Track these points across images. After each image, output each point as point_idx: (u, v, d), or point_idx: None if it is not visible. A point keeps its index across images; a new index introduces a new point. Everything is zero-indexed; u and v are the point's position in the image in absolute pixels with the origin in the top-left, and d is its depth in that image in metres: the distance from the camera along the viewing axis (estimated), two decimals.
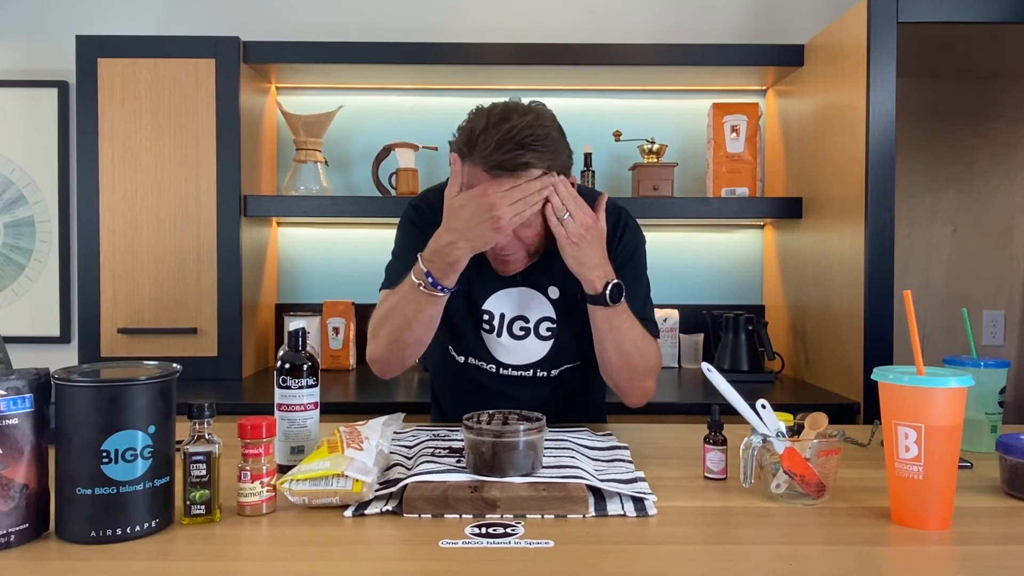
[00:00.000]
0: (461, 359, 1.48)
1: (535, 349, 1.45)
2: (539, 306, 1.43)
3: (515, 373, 1.46)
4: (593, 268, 1.29)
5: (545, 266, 1.41)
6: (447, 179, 1.49)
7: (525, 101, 1.31)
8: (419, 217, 1.44)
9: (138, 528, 0.89)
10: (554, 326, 1.44)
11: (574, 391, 1.50)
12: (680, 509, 1.02)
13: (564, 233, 1.26)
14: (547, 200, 1.26)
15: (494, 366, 1.46)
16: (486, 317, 1.44)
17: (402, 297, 1.31)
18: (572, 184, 1.37)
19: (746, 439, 1.06)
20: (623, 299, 1.31)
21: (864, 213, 1.88)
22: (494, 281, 1.42)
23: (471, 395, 1.46)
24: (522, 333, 1.44)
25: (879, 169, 1.87)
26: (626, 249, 1.45)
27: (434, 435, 1.33)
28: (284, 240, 2.58)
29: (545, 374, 1.46)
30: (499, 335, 1.44)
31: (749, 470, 1.04)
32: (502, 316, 1.44)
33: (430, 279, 1.27)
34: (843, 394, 2.00)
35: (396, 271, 1.40)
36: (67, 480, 0.88)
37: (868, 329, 1.88)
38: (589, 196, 1.51)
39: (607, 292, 1.29)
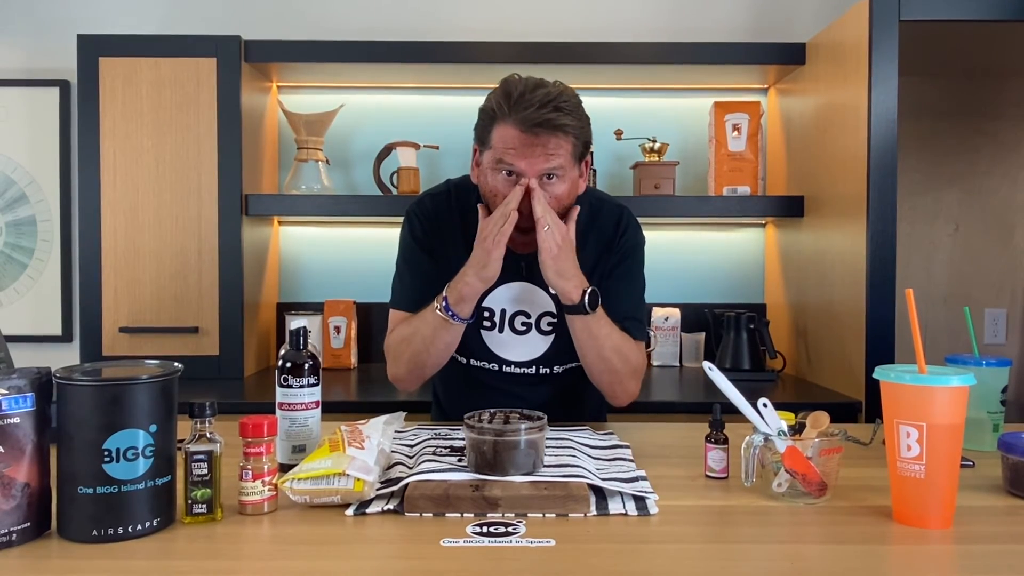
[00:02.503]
0: (463, 360, 1.48)
1: (537, 345, 1.45)
2: (540, 301, 1.44)
3: (517, 371, 1.46)
4: (570, 278, 1.33)
5: None
6: (445, 181, 1.52)
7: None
8: (419, 230, 1.47)
9: (139, 527, 0.89)
10: (555, 321, 1.44)
11: (574, 391, 1.50)
12: (681, 508, 1.02)
13: (547, 247, 1.30)
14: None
15: (496, 364, 1.46)
16: (487, 314, 1.44)
17: (423, 323, 1.38)
18: (587, 166, 1.43)
19: (747, 438, 1.06)
20: (600, 306, 1.35)
21: (866, 212, 1.88)
22: None
23: (472, 395, 1.46)
24: (523, 328, 1.45)
25: (881, 167, 1.87)
26: (626, 246, 1.47)
27: (435, 434, 1.33)
28: (285, 239, 2.58)
29: (548, 371, 1.46)
30: (500, 331, 1.45)
31: (751, 469, 1.04)
32: (503, 311, 1.44)
33: (445, 304, 1.33)
34: (845, 393, 2.00)
35: (400, 291, 1.48)
36: (69, 479, 0.88)
37: (870, 328, 1.88)
38: (596, 198, 1.52)
39: (584, 300, 1.33)
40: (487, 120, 1.35)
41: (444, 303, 1.33)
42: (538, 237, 1.31)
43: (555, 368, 1.46)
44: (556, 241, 1.31)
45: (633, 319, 1.46)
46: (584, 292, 1.33)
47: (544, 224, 1.30)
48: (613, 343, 1.38)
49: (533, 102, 1.28)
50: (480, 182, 1.39)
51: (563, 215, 1.37)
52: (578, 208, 1.39)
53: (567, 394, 1.50)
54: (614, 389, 1.43)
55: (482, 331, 1.45)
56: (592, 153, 2.37)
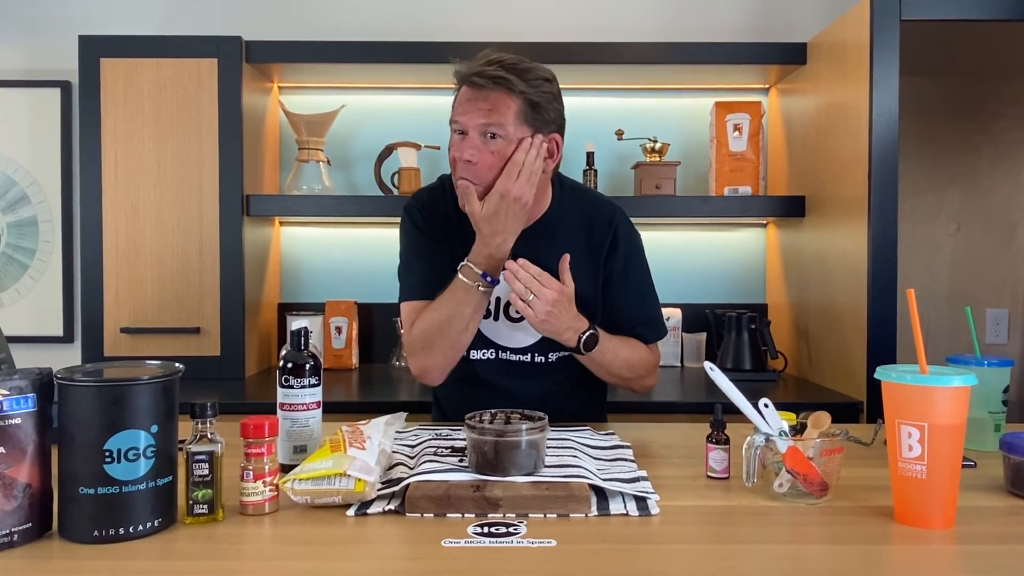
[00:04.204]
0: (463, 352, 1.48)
1: (532, 331, 1.46)
2: None
3: (514, 358, 1.47)
4: (564, 331, 1.36)
5: (532, 251, 1.43)
6: (439, 177, 1.53)
7: None
8: (419, 219, 1.49)
9: (141, 527, 0.89)
10: None
11: (574, 383, 1.51)
12: (683, 508, 1.02)
13: (532, 313, 1.32)
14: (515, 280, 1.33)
15: (493, 352, 1.48)
16: None
17: (458, 304, 1.37)
18: (558, 145, 1.42)
19: (749, 438, 1.06)
20: (599, 341, 1.38)
21: (867, 211, 1.88)
22: None
23: (472, 393, 1.47)
24: (518, 316, 1.46)
25: (882, 167, 1.87)
26: (624, 251, 1.48)
27: (436, 434, 1.33)
28: (287, 239, 2.59)
29: (543, 359, 1.47)
30: (496, 319, 1.46)
31: (752, 469, 1.04)
32: (498, 300, 1.46)
33: (488, 279, 1.35)
34: (846, 393, 1.99)
35: (413, 281, 1.47)
36: (70, 480, 0.88)
37: (871, 328, 1.88)
38: (592, 198, 1.52)
39: (580, 345, 1.36)
40: (455, 92, 1.40)
41: (485, 276, 1.34)
42: (518, 306, 1.32)
43: (550, 355, 1.47)
44: (544, 308, 1.31)
45: (647, 323, 1.50)
46: (580, 339, 1.36)
47: (527, 295, 1.30)
48: (620, 362, 1.43)
49: (482, 60, 1.34)
50: None
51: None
52: (567, 257, 1.38)
53: (566, 389, 1.50)
54: (631, 387, 1.51)
55: None
56: (592, 154, 2.40)
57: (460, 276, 1.36)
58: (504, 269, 1.42)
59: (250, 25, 2.49)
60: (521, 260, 1.33)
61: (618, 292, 1.48)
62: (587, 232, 1.47)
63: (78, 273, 2.47)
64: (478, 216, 1.34)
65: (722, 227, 2.59)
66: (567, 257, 1.38)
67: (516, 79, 1.33)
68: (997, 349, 2.64)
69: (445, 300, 1.38)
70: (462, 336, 1.40)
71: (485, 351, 1.48)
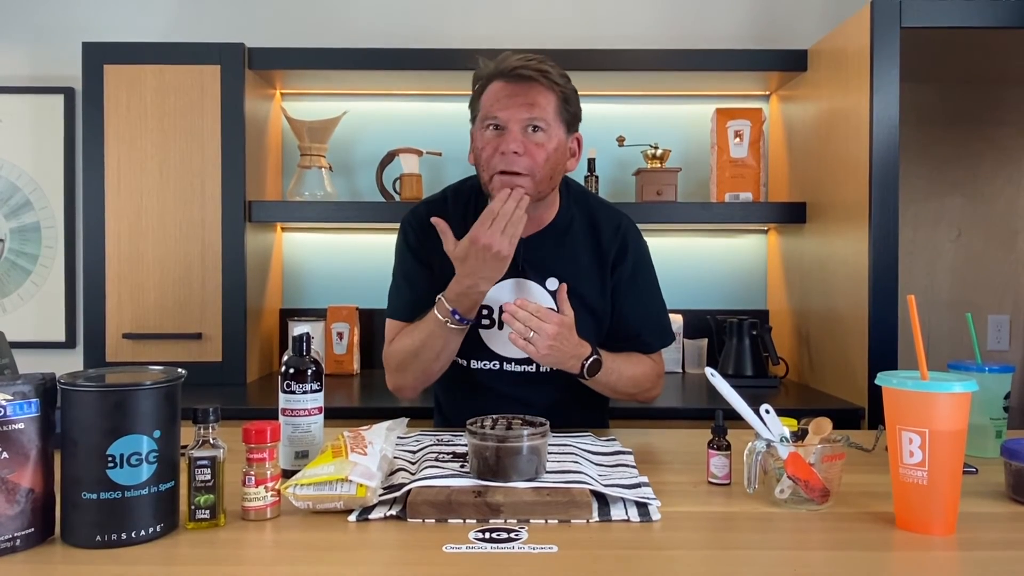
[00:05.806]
0: (464, 363, 1.48)
1: None
2: (538, 297, 1.45)
3: (518, 368, 1.47)
4: (567, 361, 1.36)
5: (541, 257, 1.44)
6: (443, 189, 1.53)
7: None
8: (413, 238, 1.50)
9: (143, 533, 0.90)
10: None
11: (576, 391, 1.50)
12: (684, 514, 1.02)
13: (535, 350, 1.32)
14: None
15: (496, 363, 1.47)
16: (485, 312, 1.45)
17: (430, 335, 1.38)
18: (579, 144, 1.45)
19: (750, 444, 1.06)
20: (602, 364, 1.39)
21: (868, 218, 1.88)
22: None
23: (474, 399, 1.46)
24: None
25: (883, 174, 1.87)
26: (630, 260, 1.49)
27: (438, 440, 1.33)
28: (288, 245, 2.59)
29: (546, 368, 1.47)
30: (500, 327, 1.46)
31: (753, 475, 1.04)
32: (501, 309, 1.45)
33: (457, 316, 1.35)
34: (847, 399, 1.99)
35: (398, 301, 1.50)
36: (72, 485, 0.88)
37: (872, 334, 1.88)
38: (597, 204, 1.53)
39: (584, 372, 1.37)
40: (478, 89, 1.40)
41: (455, 314, 1.34)
42: (519, 345, 1.31)
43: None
44: (546, 344, 1.30)
45: (654, 330, 1.51)
46: (583, 366, 1.36)
47: (527, 332, 1.30)
48: (624, 380, 1.44)
49: (515, 57, 1.36)
50: (473, 151, 1.42)
51: (548, 179, 1.37)
52: (565, 287, 1.40)
53: (569, 397, 1.50)
54: (635, 400, 1.52)
55: (481, 330, 1.46)
56: (594, 160, 2.41)
57: (435, 310, 1.36)
58: (486, 310, 1.43)
59: (252, 32, 2.51)
60: (519, 300, 1.33)
61: (626, 299, 1.48)
62: (595, 238, 1.48)
63: (80, 279, 2.47)
64: (451, 255, 1.34)
65: (723, 233, 2.60)
66: (564, 287, 1.39)
67: (554, 72, 1.36)
68: (998, 355, 2.64)
69: (420, 329, 1.39)
70: (433, 365, 1.41)
71: (487, 362, 1.47)
